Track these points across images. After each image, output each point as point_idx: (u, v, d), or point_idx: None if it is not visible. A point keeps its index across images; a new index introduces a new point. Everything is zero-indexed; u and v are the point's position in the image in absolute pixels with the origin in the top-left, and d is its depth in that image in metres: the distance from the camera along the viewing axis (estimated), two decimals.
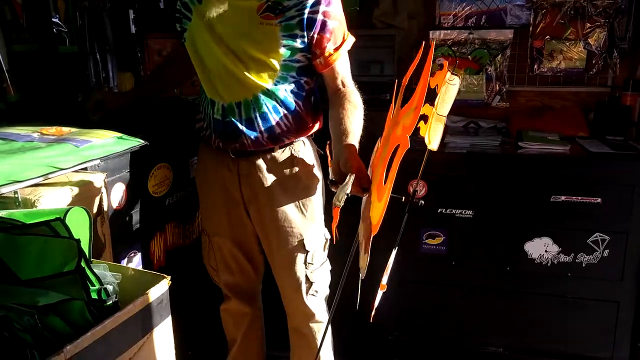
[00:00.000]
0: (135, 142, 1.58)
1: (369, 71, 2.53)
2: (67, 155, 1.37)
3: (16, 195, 1.22)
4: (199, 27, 1.55)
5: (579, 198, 2.07)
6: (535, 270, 2.16)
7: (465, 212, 2.18)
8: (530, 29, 2.51)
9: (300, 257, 1.69)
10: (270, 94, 1.57)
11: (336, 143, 1.43)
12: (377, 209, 1.05)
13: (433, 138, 1.08)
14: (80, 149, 1.43)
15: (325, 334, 1.38)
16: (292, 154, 1.65)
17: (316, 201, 1.70)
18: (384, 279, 1.11)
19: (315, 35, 1.52)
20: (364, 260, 1.06)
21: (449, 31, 2.59)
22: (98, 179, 1.41)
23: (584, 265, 2.12)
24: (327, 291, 1.79)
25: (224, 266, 1.81)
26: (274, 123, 1.59)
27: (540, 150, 2.18)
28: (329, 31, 1.53)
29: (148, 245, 1.75)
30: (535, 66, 2.55)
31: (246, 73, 1.53)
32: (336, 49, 1.56)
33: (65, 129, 1.59)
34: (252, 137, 1.59)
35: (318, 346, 1.79)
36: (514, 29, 2.53)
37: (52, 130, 1.57)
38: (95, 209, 1.40)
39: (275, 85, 1.57)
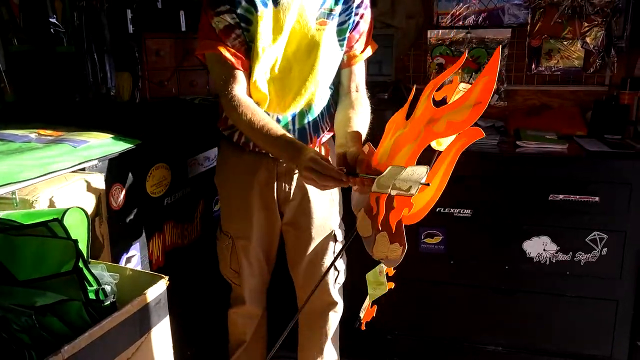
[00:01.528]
0: (133, 142, 1.58)
1: (367, 71, 2.52)
2: (64, 156, 1.37)
3: (14, 196, 1.22)
4: (289, 27, 1.53)
5: (577, 197, 2.07)
6: (534, 269, 2.16)
7: (463, 211, 2.18)
8: (528, 28, 2.51)
9: (331, 247, 1.75)
10: (323, 100, 1.63)
11: (341, 137, 1.46)
12: (415, 201, 1.05)
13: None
14: (78, 149, 1.43)
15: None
16: (326, 148, 1.70)
17: (338, 192, 1.77)
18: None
19: (348, 34, 1.58)
20: (395, 252, 1.05)
21: (446, 30, 2.60)
22: (96, 180, 1.41)
23: (582, 264, 2.12)
24: (343, 279, 1.85)
25: (248, 269, 1.80)
26: (320, 126, 1.65)
27: (538, 149, 2.18)
28: (359, 32, 1.60)
29: (146, 246, 1.75)
30: (533, 65, 2.55)
31: (317, 79, 1.57)
32: (361, 52, 1.63)
33: (63, 130, 1.59)
34: (301, 138, 1.59)
35: (329, 336, 1.86)
36: (511, 28, 2.53)
37: (50, 130, 1.57)
38: (93, 210, 1.40)
39: (328, 90, 1.64)
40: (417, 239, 2.24)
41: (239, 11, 1.48)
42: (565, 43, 2.49)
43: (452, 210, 2.19)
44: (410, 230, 2.17)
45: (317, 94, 1.61)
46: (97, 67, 2.12)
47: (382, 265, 1.18)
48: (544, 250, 2.14)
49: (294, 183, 1.68)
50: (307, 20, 1.52)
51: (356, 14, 1.57)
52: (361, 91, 1.65)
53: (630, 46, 2.41)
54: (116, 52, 2.20)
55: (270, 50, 1.52)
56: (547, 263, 2.15)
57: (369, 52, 1.66)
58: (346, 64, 1.63)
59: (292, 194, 1.69)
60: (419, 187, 1.00)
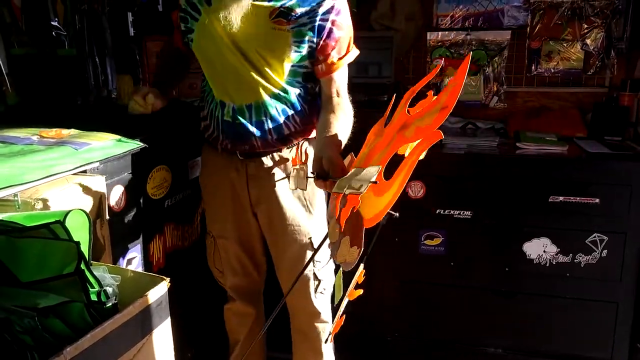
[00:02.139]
0: (134, 145, 1.58)
1: (367, 73, 2.54)
2: (66, 158, 1.37)
3: (16, 198, 1.22)
4: (209, 29, 1.55)
5: (577, 198, 2.08)
6: (534, 270, 2.17)
7: (463, 213, 2.19)
8: (528, 29, 2.52)
9: (308, 256, 1.71)
10: (279, 97, 1.60)
11: (319, 141, 1.46)
12: (375, 204, 1.06)
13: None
14: (80, 151, 1.43)
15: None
16: (306, 154, 1.67)
17: (320, 199, 1.73)
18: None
19: (321, 42, 1.55)
20: (352, 254, 1.07)
21: (446, 32, 2.60)
22: (97, 182, 1.41)
23: (582, 266, 2.13)
24: (331, 290, 1.80)
25: (230, 268, 1.82)
26: (283, 125, 1.62)
27: (538, 151, 2.19)
28: (334, 39, 1.56)
29: (147, 247, 1.75)
30: (533, 67, 2.55)
31: (256, 76, 1.55)
32: (339, 59, 1.59)
33: (65, 132, 1.59)
34: (262, 138, 1.61)
35: (321, 346, 1.81)
36: (511, 30, 2.54)
37: (52, 133, 1.57)
38: (94, 212, 1.41)
39: (285, 88, 1.59)
40: (417, 240, 2.25)
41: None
42: (565, 45, 2.49)
43: (452, 212, 2.20)
44: (411, 232, 2.19)
45: (266, 92, 1.58)
46: (99, 69, 2.13)
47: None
48: (544, 251, 2.15)
49: (266, 185, 1.67)
50: (257, 17, 1.52)
51: (324, 20, 1.53)
52: (342, 95, 1.61)
53: (630, 47, 2.42)
54: (117, 55, 2.22)
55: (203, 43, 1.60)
56: (547, 265, 2.15)
57: (351, 57, 1.62)
58: (325, 72, 1.59)
59: (266, 196, 1.68)
60: (368, 185, 1.01)
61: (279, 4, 1.52)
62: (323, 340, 1.82)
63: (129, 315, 1.02)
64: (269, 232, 1.75)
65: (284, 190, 1.67)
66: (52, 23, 2.03)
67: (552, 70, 2.54)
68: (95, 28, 2.12)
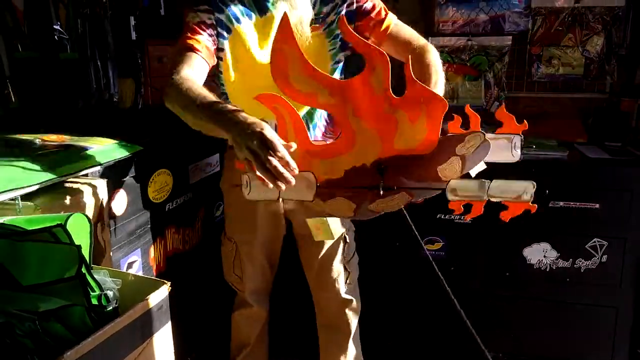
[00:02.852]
0: (135, 148, 1.59)
1: None
2: (68, 162, 1.38)
3: (17, 202, 1.22)
4: (244, 46, 1.52)
5: (577, 204, 2.08)
6: (534, 275, 2.17)
7: (464, 217, 2.19)
8: (529, 35, 2.52)
9: (340, 250, 1.75)
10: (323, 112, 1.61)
11: None
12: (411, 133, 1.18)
13: None
14: (81, 155, 1.44)
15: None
16: None
17: None
18: None
19: (360, 23, 1.55)
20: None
21: (447, 38, 2.61)
22: (99, 185, 1.42)
23: (582, 271, 2.13)
24: (356, 279, 1.85)
25: (250, 274, 1.80)
26: (321, 131, 1.64)
27: (538, 156, 2.19)
28: (370, 9, 1.55)
29: (148, 251, 1.75)
30: (534, 72, 2.56)
31: None
32: (385, 17, 1.56)
33: (66, 136, 1.60)
34: None
35: (349, 338, 1.86)
36: (512, 35, 2.54)
37: (53, 137, 1.58)
38: (95, 215, 1.41)
39: None
40: (417, 245, 2.24)
41: (219, 16, 1.49)
42: (565, 50, 2.50)
43: (452, 217, 2.20)
44: (411, 237, 2.18)
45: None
46: (100, 73, 2.14)
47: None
48: (544, 256, 2.15)
49: None
50: (303, 31, 1.50)
51: (350, 5, 1.53)
52: (420, 40, 1.54)
53: (631, 53, 2.42)
54: (119, 59, 2.22)
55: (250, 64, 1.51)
56: (547, 270, 2.15)
57: (392, 15, 1.59)
58: (383, 31, 1.54)
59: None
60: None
61: (312, 12, 1.52)
62: (352, 329, 1.85)
63: (129, 319, 1.02)
64: (302, 232, 1.74)
65: None
66: (55, 27, 2.05)
67: (553, 76, 2.54)
68: (97, 32, 2.13)
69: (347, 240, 1.77)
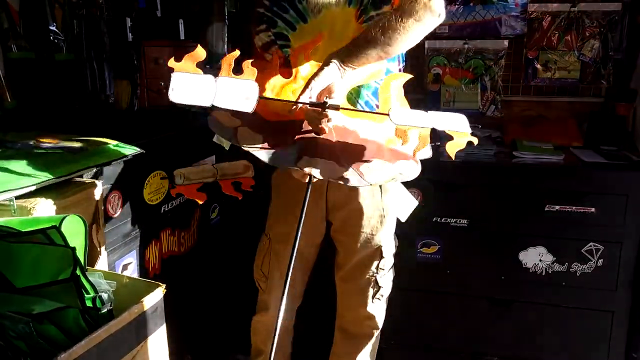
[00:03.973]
0: (131, 150, 1.58)
1: None
2: (63, 163, 1.37)
3: (12, 203, 1.22)
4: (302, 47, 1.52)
5: (573, 207, 2.08)
6: (530, 279, 2.17)
7: (460, 221, 2.19)
8: (525, 39, 2.53)
9: (374, 263, 1.71)
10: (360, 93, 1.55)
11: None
12: None
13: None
14: (76, 156, 1.43)
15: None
16: None
17: (393, 208, 1.71)
18: None
19: None
20: None
21: (444, 41, 2.61)
22: (94, 187, 1.41)
23: (578, 275, 2.13)
24: (387, 297, 1.82)
25: (279, 275, 1.75)
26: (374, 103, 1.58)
27: (534, 160, 2.19)
28: None
29: (143, 253, 1.75)
30: (530, 76, 2.56)
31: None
32: None
33: (62, 137, 1.59)
34: None
35: (369, 351, 1.83)
36: (508, 39, 2.55)
37: (49, 138, 1.57)
38: (90, 217, 1.40)
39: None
40: (413, 248, 2.25)
41: (275, 30, 1.51)
42: (561, 54, 2.51)
43: (448, 220, 2.20)
44: (407, 240, 2.18)
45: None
46: (96, 74, 2.13)
47: None
48: (540, 260, 2.15)
49: (346, 192, 1.64)
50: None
51: None
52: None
53: (626, 58, 2.43)
54: (115, 60, 2.21)
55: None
56: (543, 273, 2.16)
57: None
58: None
59: (344, 202, 1.66)
60: None
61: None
62: (370, 344, 1.82)
63: (124, 322, 1.02)
64: (342, 234, 1.72)
65: (366, 197, 1.64)
66: (50, 27, 2.03)
67: (549, 80, 2.55)
68: (93, 33, 2.12)
69: (384, 255, 1.72)
